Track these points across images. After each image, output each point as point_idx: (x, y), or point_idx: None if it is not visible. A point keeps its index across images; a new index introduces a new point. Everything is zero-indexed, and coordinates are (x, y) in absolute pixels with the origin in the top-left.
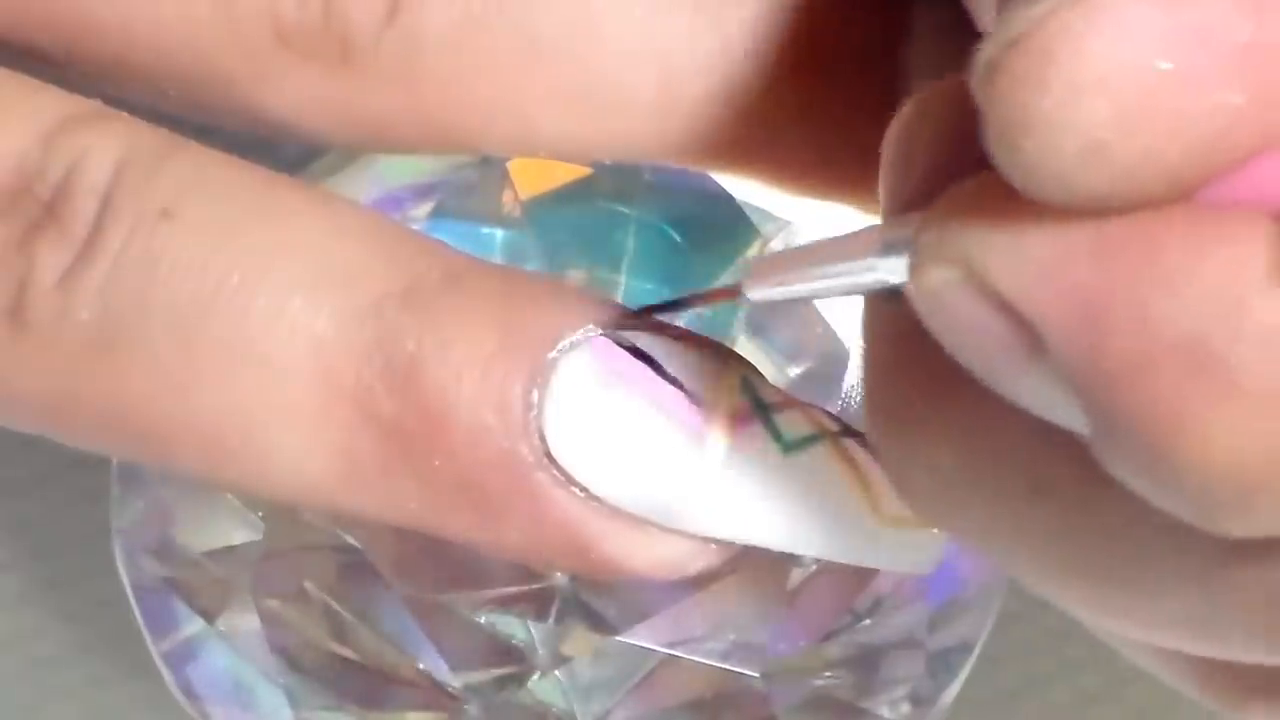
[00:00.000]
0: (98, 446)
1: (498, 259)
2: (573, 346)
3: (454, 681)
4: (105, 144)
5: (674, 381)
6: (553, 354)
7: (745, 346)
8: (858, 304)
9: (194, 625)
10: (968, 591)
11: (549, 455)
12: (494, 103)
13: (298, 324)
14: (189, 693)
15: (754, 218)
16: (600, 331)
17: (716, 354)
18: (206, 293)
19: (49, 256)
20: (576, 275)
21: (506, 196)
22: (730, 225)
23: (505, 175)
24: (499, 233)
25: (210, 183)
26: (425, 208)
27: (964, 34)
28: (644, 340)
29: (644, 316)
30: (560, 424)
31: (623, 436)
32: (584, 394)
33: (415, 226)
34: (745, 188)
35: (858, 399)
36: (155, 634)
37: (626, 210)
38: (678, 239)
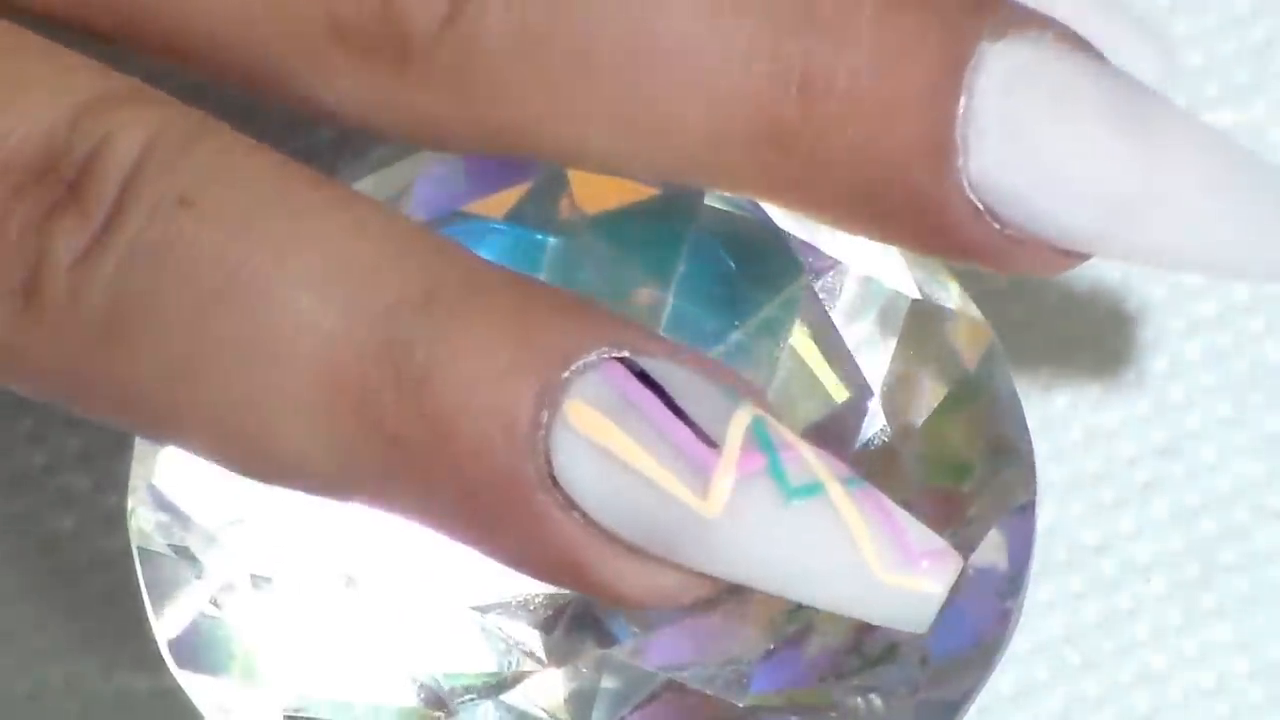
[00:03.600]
0: (112, 424)
1: (547, 266)
2: (586, 368)
3: (455, 685)
4: (132, 127)
5: (683, 416)
6: (565, 374)
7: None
8: (886, 347)
9: (201, 613)
10: (973, 648)
11: (552, 477)
12: (545, 114)
13: (308, 320)
14: (192, 681)
15: (800, 254)
16: (615, 354)
17: (732, 389)
18: (219, 283)
19: (67, 237)
20: (639, 293)
21: (563, 204)
22: (777, 257)
23: (564, 182)
24: (551, 239)
25: (233, 172)
26: (506, 203)
27: None
28: (659, 368)
29: (662, 340)
30: (566, 447)
31: (627, 466)
32: (592, 419)
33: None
34: (796, 221)
35: (880, 440)
36: (161, 621)
37: (682, 230)
38: (731, 264)
